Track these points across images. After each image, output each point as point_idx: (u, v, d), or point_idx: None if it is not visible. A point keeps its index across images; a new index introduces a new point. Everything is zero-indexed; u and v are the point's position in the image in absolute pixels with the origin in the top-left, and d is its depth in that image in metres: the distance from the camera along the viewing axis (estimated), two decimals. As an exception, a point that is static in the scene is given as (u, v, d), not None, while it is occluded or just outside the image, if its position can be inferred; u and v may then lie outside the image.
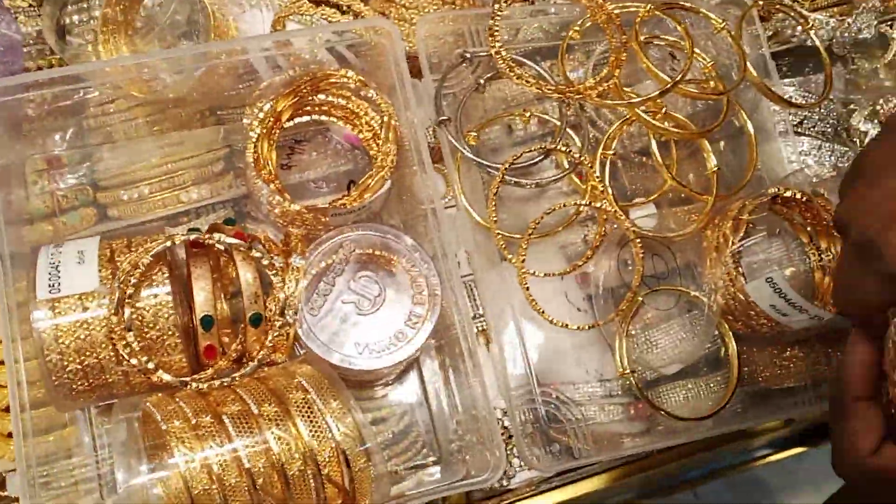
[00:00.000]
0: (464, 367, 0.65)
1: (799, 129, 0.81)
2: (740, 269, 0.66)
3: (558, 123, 0.71)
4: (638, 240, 0.67)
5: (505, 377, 0.63)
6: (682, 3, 0.74)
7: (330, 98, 0.73)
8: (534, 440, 0.66)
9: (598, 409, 0.67)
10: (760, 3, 0.78)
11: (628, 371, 0.66)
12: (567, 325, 0.65)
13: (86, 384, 0.61)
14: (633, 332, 0.71)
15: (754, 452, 1.62)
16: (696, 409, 0.69)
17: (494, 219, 0.66)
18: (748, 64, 0.73)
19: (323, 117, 0.75)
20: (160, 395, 0.61)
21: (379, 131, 0.70)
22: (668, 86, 0.68)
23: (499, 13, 0.68)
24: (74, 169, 0.75)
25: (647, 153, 0.74)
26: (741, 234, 0.67)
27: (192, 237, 0.62)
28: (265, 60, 0.75)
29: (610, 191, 0.69)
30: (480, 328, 0.71)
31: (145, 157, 0.74)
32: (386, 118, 0.68)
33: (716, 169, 0.71)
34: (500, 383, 0.64)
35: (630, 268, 0.70)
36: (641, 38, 0.71)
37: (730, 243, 0.67)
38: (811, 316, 0.64)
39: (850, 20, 0.80)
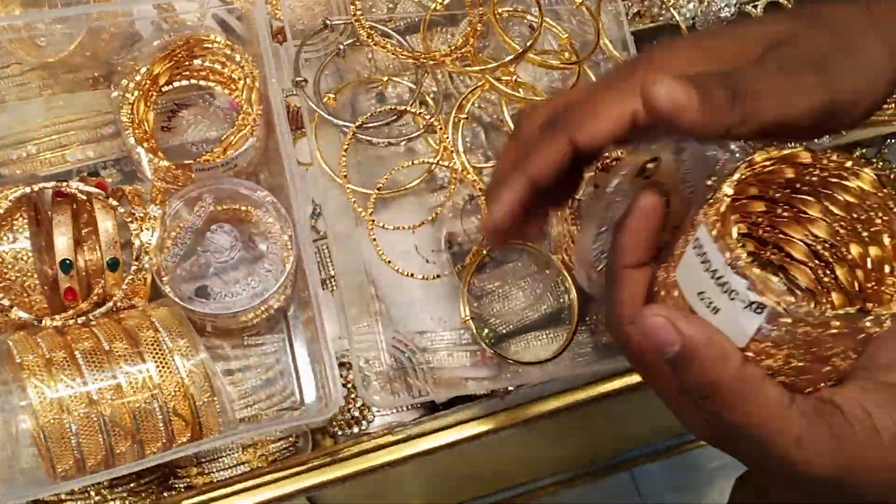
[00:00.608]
0: (318, 319, 0.69)
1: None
2: (577, 227, 0.71)
3: (413, 87, 0.75)
4: (483, 196, 0.71)
5: (347, 325, 0.67)
6: (539, -22, 0.78)
7: (207, 63, 0.77)
8: (382, 383, 0.70)
9: (445, 355, 0.72)
10: (621, -20, 0.82)
11: (468, 318, 0.70)
12: (413, 275, 0.70)
13: (-49, 323, 0.65)
14: (490, 288, 0.76)
15: (690, 434, 1.66)
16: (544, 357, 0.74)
17: (345, 174, 0.70)
18: (604, 38, 0.78)
19: (202, 82, 0.79)
20: (22, 333, 0.65)
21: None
22: (518, 53, 0.72)
23: (360, -17, 0.73)
24: (-34, 129, 0.79)
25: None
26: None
27: (51, 185, 0.66)
28: (151, 26, 0.80)
29: (462, 151, 0.73)
30: (335, 281, 0.75)
31: (34, 117, 0.79)
32: (250, 80, 0.72)
33: (563, 134, 0.75)
34: (344, 331, 0.68)
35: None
36: (499, 10, 0.75)
37: (570, 203, 0.71)
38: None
39: (710, -1, 0.84)
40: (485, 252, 0.72)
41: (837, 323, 0.40)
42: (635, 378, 0.84)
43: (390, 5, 0.82)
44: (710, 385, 0.42)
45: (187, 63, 0.77)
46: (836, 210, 0.48)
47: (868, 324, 0.40)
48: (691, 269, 0.44)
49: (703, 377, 0.42)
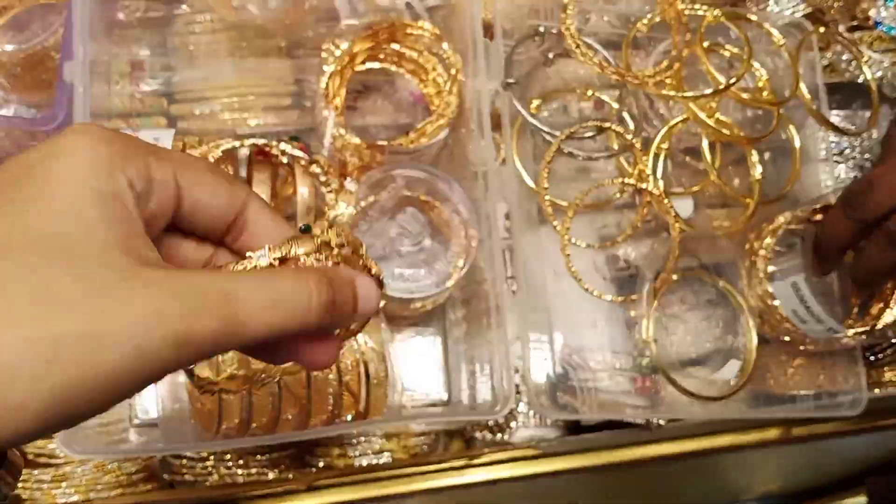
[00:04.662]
0: (486, 321, 0.68)
1: (838, 158, 0.84)
2: (770, 271, 0.69)
3: (616, 107, 0.74)
4: (677, 224, 0.70)
5: (526, 333, 0.66)
6: (748, 15, 0.78)
7: (403, 49, 0.77)
8: (544, 393, 0.69)
9: (606, 377, 0.70)
10: (822, 30, 0.81)
11: (652, 339, 0.68)
12: (601, 295, 0.69)
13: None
14: (655, 316, 0.74)
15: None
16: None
17: (545, 186, 0.69)
18: (801, 84, 0.76)
19: (393, 67, 0.79)
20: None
21: (444, 87, 0.74)
22: (723, 86, 0.71)
23: (575, -6, 0.73)
24: (155, 76, 0.79)
25: (693, 153, 0.78)
26: (777, 240, 0.70)
27: (260, 142, 0.66)
28: (348, 5, 0.80)
29: (658, 178, 0.72)
30: (511, 288, 0.74)
31: (222, 77, 0.79)
32: (454, 71, 0.72)
33: (760, 177, 0.74)
34: (521, 337, 0.66)
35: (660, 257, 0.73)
36: (705, 42, 0.75)
37: (766, 247, 0.70)
38: (827, 328, 0.67)
39: (904, 63, 0.83)
40: (674, 277, 0.71)
41: None
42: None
43: (583, 20, 0.82)
44: None
45: (384, 46, 0.77)
46: None
47: None
48: None
49: None
